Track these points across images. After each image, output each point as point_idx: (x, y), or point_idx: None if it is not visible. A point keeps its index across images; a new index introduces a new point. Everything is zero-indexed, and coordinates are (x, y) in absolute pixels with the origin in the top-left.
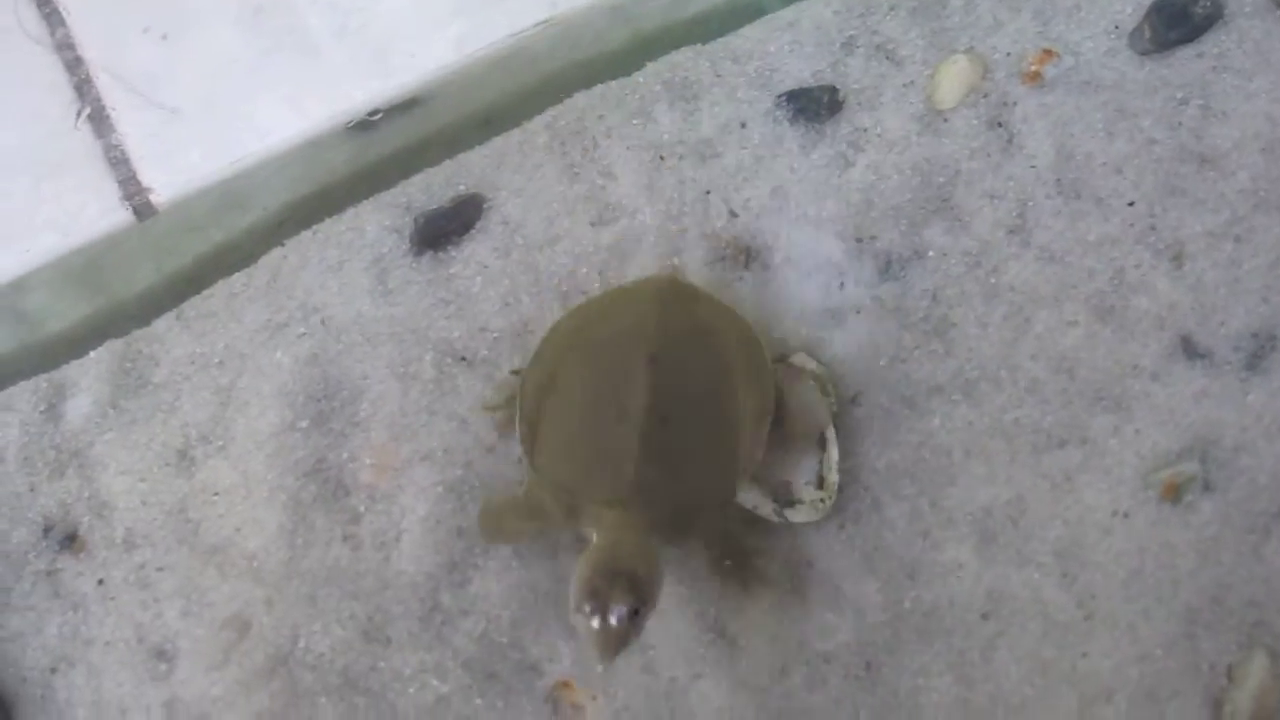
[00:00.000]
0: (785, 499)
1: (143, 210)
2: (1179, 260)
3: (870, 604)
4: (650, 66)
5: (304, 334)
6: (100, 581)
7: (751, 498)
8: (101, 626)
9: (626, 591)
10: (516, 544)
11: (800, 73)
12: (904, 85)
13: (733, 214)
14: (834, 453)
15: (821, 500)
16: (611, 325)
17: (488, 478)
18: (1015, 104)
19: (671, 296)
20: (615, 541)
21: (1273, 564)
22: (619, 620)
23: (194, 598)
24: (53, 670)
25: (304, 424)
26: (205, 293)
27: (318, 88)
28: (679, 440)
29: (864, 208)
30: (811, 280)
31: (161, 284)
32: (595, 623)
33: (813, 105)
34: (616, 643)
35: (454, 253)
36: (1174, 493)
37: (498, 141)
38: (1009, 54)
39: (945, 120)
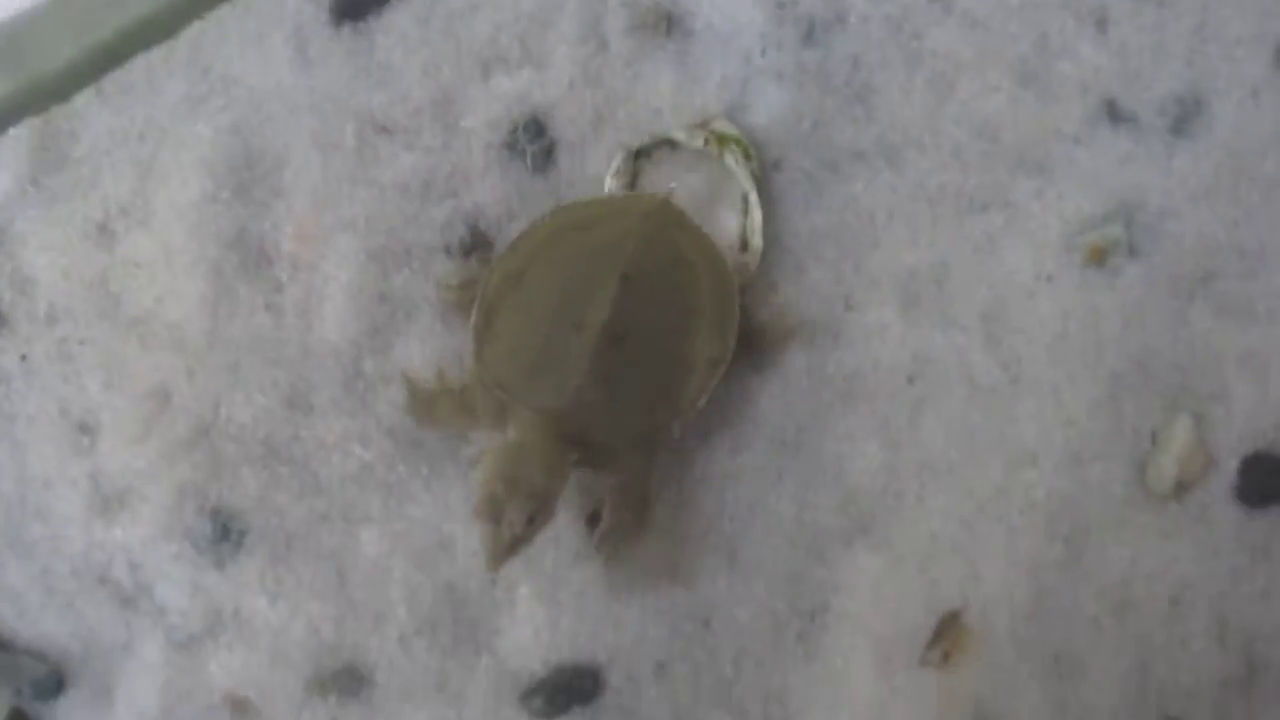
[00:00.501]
0: None
1: None
2: (1103, 25)
3: (794, 368)
4: None
5: (224, 106)
6: (23, 357)
7: None
8: (24, 402)
9: (525, 500)
10: (445, 431)
11: None
12: None
13: None
14: (757, 216)
15: (745, 264)
16: (592, 236)
17: (410, 245)
18: None
19: (658, 221)
20: (525, 445)
21: (1197, 328)
22: (511, 532)
23: (115, 370)
24: None
25: (225, 195)
26: (125, 66)
27: None
28: (629, 367)
29: None
30: (733, 46)
31: (81, 58)
32: (489, 529)
33: None
34: (505, 552)
35: (374, 22)
36: (1098, 256)
37: None
38: None
39: None
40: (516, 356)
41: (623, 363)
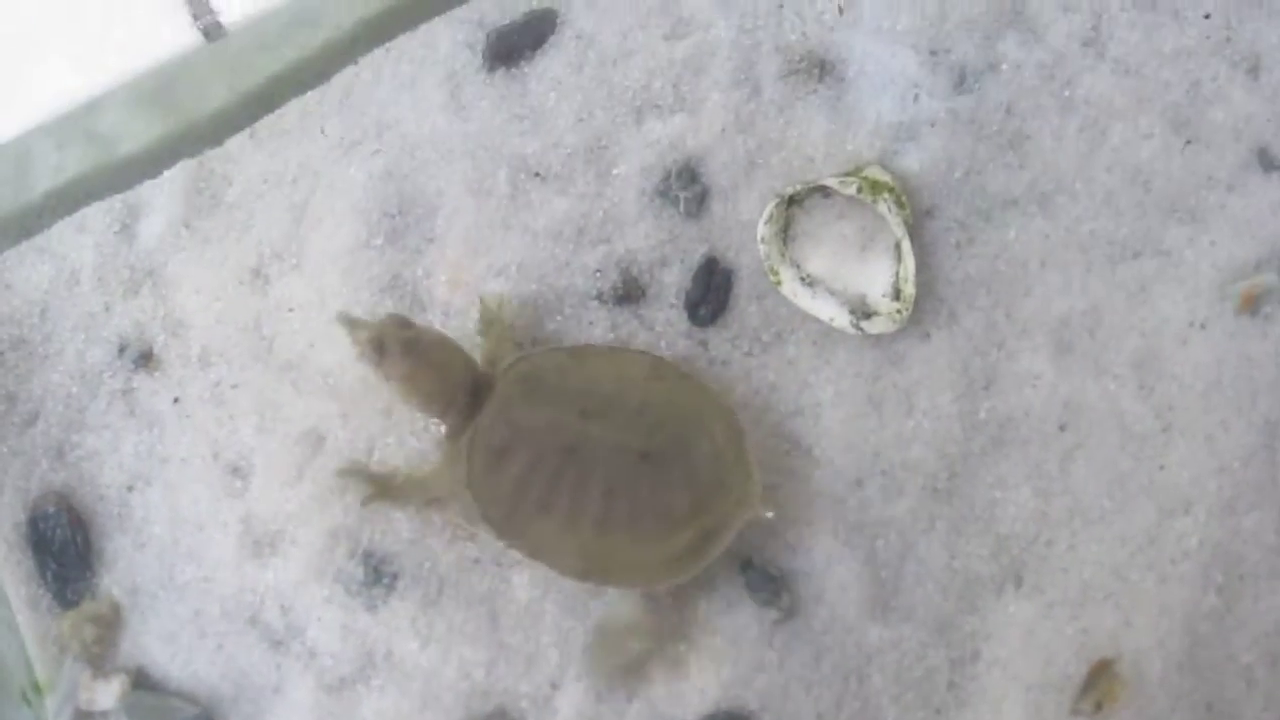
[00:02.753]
0: (861, 311)
1: (212, 30)
2: (1255, 72)
3: (946, 415)
4: None
5: (378, 151)
6: (176, 399)
7: (828, 309)
8: (177, 444)
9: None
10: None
11: None
12: None
13: (807, 28)
14: (910, 264)
15: (898, 312)
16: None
17: (561, 292)
18: None
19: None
20: None
21: None
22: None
23: (269, 414)
24: (129, 488)
25: (378, 240)
26: (278, 111)
27: None
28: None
29: (938, 20)
30: (885, 94)
31: (234, 103)
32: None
33: None
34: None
35: (527, 68)
36: (1251, 304)
37: None
38: None
39: None
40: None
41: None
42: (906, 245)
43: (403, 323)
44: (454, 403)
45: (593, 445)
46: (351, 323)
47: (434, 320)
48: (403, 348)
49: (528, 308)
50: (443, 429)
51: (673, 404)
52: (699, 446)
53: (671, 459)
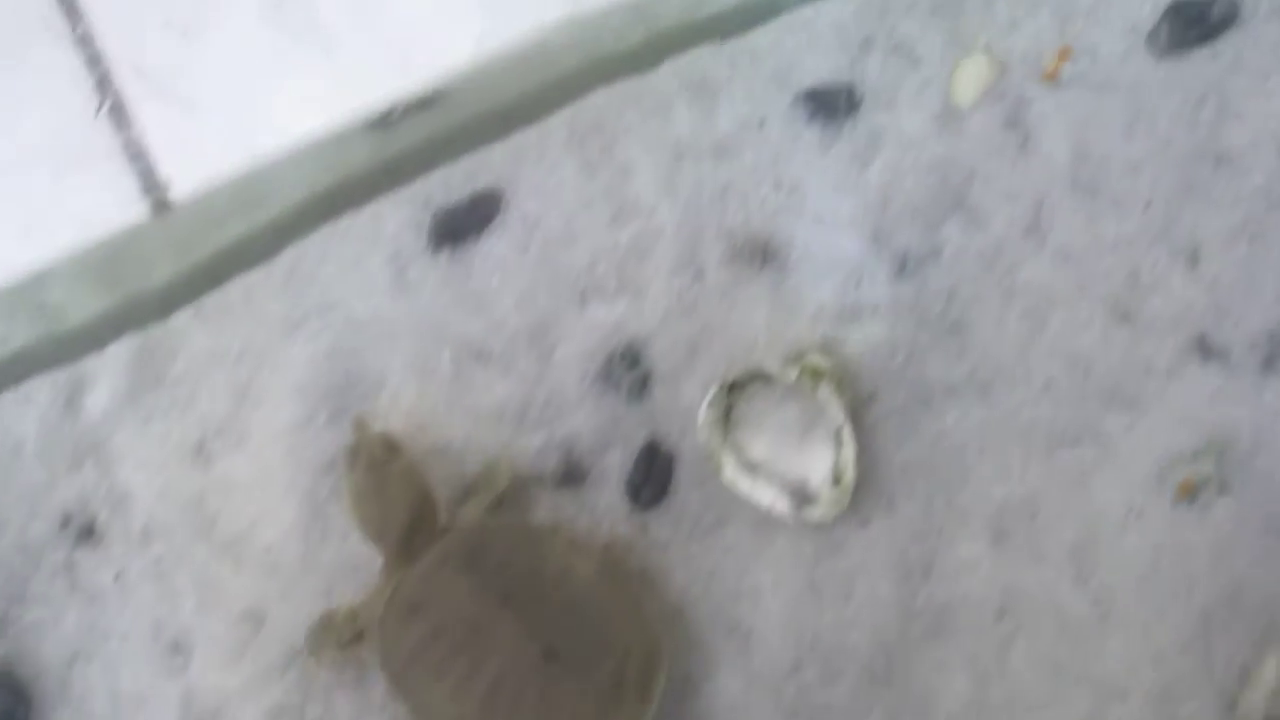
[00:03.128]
0: (802, 497)
1: (161, 205)
2: (1194, 260)
3: (885, 602)
4: (668, 64)
5: (322, 329)
6: (117, 575)
7: (768, 495)
8: (118, 620)
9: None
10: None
11: (818, 71)
12: (921, 84)
13: (750, 213)
14: (850, 451)
15: (837, 498)
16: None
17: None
18: (1032, 103)
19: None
20: None
21: None
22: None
23: (210, 592)
24: (70, 662)
25: (321, 418)
26: (224, 287)
27: (338, 82)
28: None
29: (881, 206)
30: (828, 279)
31: (181, 278)
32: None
33: (830, 103)
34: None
35: (472, 249)
36: (1189, 492)
37: (516, 138)
38: (1026, 53)
39: (962, 119)
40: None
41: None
42: (847, 432)
43: (387, 444)
44: (389, 539)
45: (501, 630)
46: (357, 424)
47: None
48: (368, 465)
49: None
50: (380, 561)
51: (602, 612)
52: (604, 665)
53: (573, 667)
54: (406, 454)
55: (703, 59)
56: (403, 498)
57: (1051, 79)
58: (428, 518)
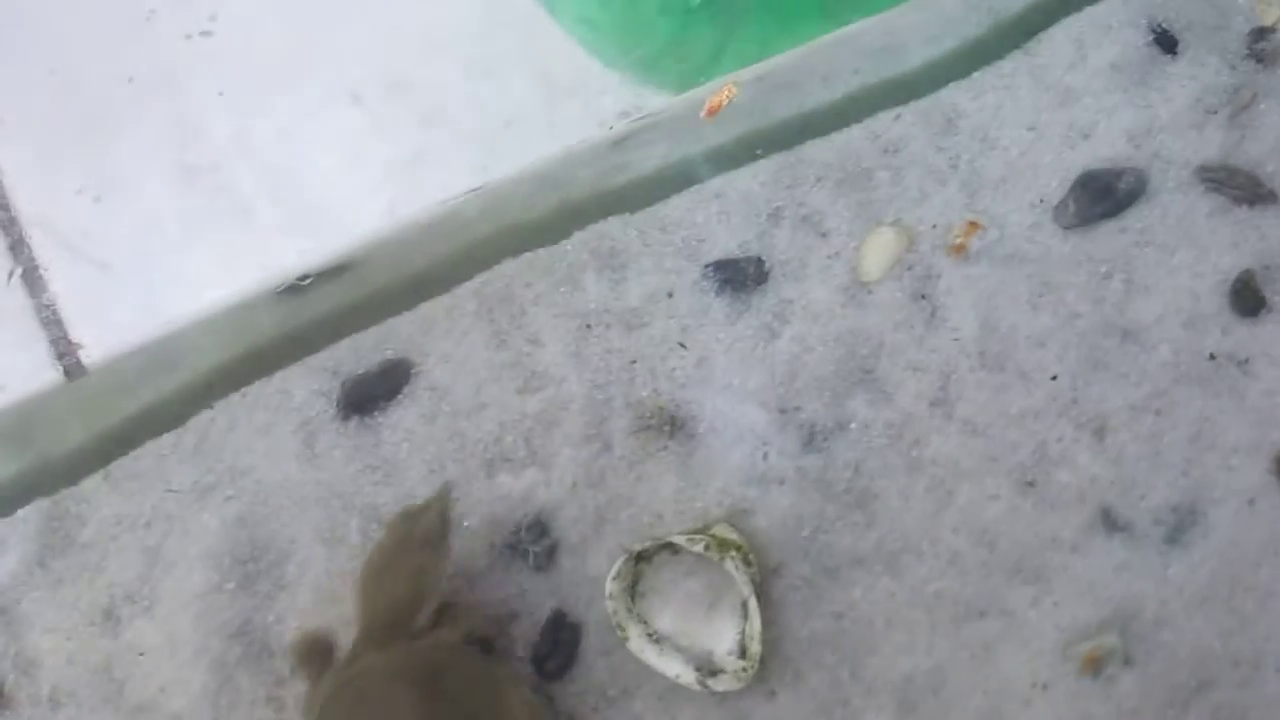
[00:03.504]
0: (708, 668)
1: (73, 369)
2: (1101, 433)
3: None
4: (578, 235)
5: (231, 496)
6: None
7: (674, 666)
8: None
9: None
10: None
11: (727, 243)
12: (829, 257)
13: (658, 383)
14: (756, 622)
15: (744, 669)
16: None
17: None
18: (940, 276)
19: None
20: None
21: None
22: None
23: None
24: None
25: (230, 586)
26: (134, 453)
27: (249, 249)
28: None
29: (789, 379)
30: (736, 450)
31: (90, 443)
32: None
33: (739, 275)
34: None
35: (380, 418)
36: (1094, 665)
37: (426, 307)
38: (934, 226)
39: (870, 292)
40: None
41: None
42: (753, 603)
43: (446, 528)
44: (380, 611)
45: None
46: (442, 492)
47: (283, 668)
48: (421, 534)
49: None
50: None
51: None
52: None
53: None
54: (449, 552)
55: (612, 230)
56: (417, 583)
57: (960, 252)
58: (417, 612)
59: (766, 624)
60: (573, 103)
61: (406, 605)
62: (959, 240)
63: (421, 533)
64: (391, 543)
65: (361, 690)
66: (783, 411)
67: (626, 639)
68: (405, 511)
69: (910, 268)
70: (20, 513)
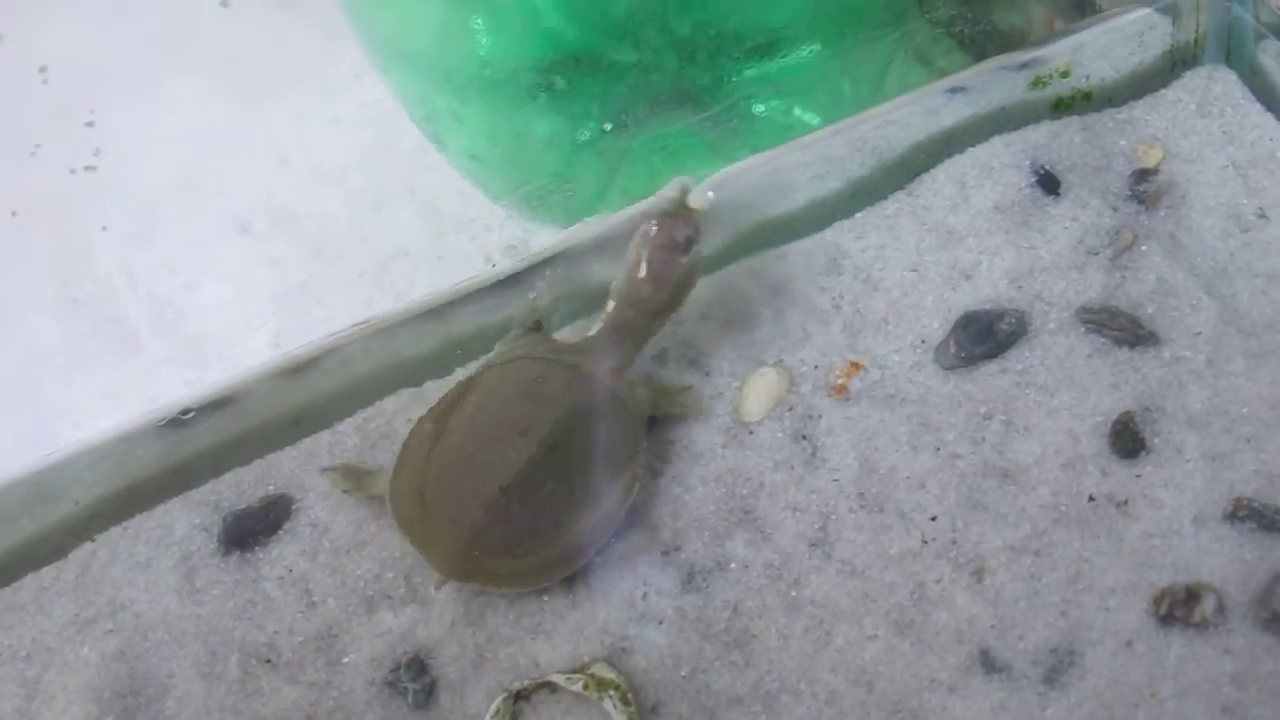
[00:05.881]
0: None
1: None
2: (980, 574)
3: None
4: (460, 371)
5: (111, 630)
6: None
7: None
8: None
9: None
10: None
11: None
12: (712, 397)
13: None
14: None
15: None
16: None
17: None
18: (820, 417)
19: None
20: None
21: None
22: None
23: None
24: None
25: (110, 719)
26: (14, 585)
27: (134, 380)
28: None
29: (669, 519)
30: (616, 590)
31: None
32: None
33: None
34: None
35: (261, 553)
36: None
37: (308, 442)
38: (816, 366)
39: (751, 432)
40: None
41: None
42: None
43: (696, 226)
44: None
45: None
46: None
47: None
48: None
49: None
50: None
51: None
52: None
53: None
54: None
55: None
56: (676, 288)
57: (841, 393)
58: (669, 312)
59: None
60: (460, 237)
61: (663, 306)
62: (840, 381)
63: (685, 234)
64: (656, 245)
65: (531, 367)
66: (663, 552)
67: None
68: (660, 216)
69: (791, 408)
70: None
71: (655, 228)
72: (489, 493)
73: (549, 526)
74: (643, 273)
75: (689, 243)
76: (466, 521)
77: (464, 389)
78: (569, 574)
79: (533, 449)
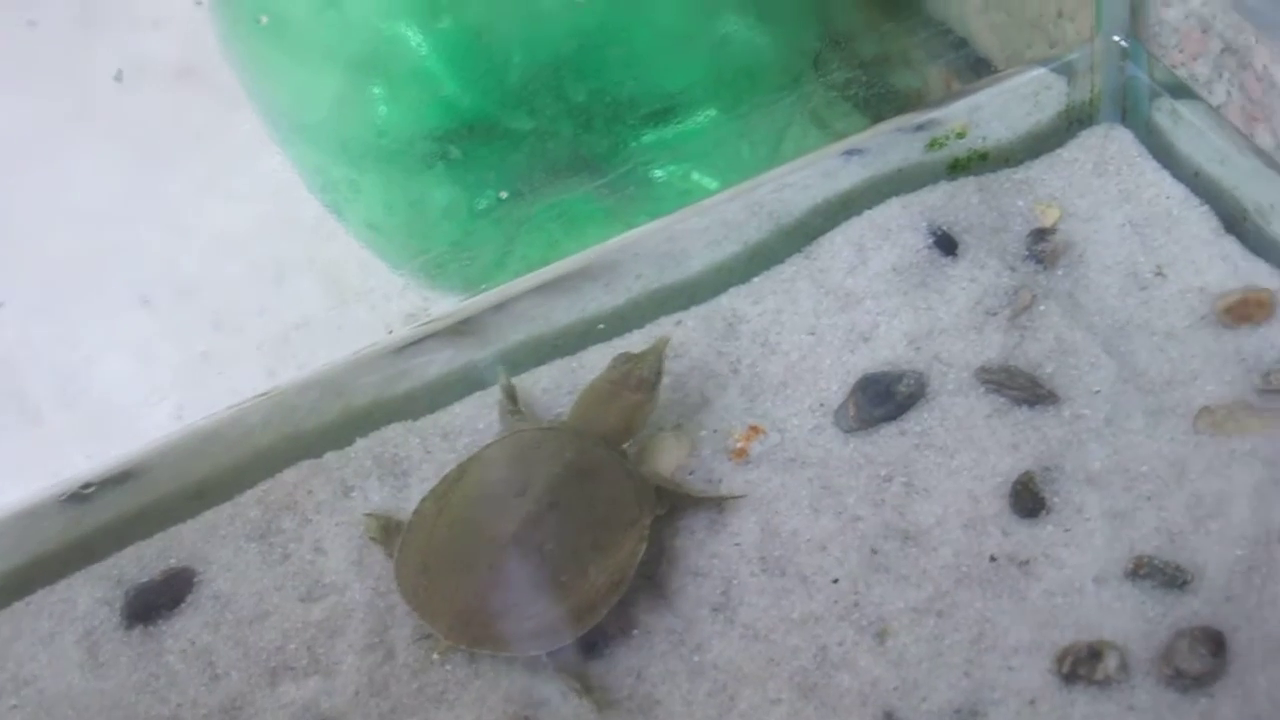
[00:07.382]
0: None
1: None
2: (882, 636)
3: None
4: (361, 442)
5: (15, 706)
6: None
7: None
8: None
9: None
10: None
11: None
12: None
13: None
14: None
15: None
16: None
17: None
18: (721, 481)
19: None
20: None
21: None
22: None
23: None
24: None
25: None
26: None
27: (35, 454)
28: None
29: None
30: (518, 660)
31: None
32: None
33: None
34: None
35: (164, 627)
36: None
37: (209, 515)
38: (715, 431)
39: None
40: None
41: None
42: None
43: (657, 375)
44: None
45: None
46: (659, 343)
47: None
48: (636, 377)
49: None
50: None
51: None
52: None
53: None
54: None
55: (394, 436)
56: (627, 419)
57: (740, 456)
58: (620, 444)
59: None
60: (360, 306)
61: (613, 436)
62: (740, 445)
63: (638, 376)
64: (611, 379)
65: (524, 437)
66: None
67: None
68: (626, 355)
69: (692, 472)
70: None
71: (618, 368)
72: (489, 552)
73: (553, 585)
74: (594, 400)
75: (644, 380)
76: (468, 582)
77: (463, 467)
78: (579, 635)
79: (530, 506)
